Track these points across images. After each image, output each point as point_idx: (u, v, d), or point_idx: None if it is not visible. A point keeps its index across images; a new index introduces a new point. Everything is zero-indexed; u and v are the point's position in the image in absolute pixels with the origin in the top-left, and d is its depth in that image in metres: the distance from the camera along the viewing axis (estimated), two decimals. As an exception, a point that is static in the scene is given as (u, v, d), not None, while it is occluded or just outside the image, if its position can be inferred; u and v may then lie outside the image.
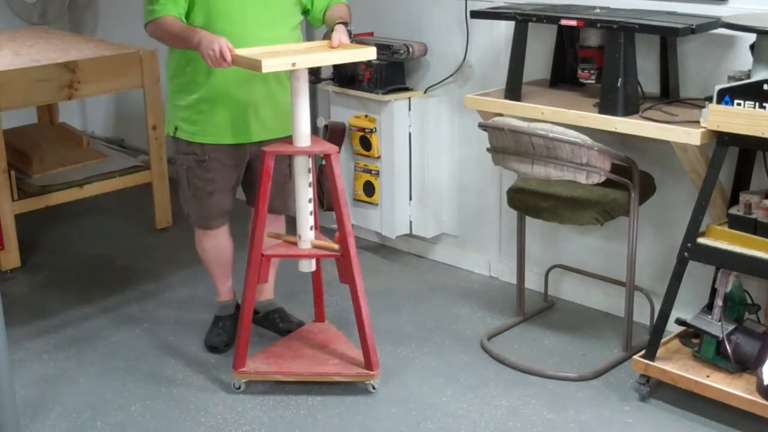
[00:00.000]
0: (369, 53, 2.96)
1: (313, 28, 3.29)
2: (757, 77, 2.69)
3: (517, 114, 3.22)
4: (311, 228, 3.05)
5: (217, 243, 3.35)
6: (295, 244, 3.08)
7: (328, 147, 3.00)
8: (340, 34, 2.99)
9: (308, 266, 3.15)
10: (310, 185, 3.02)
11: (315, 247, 3.06)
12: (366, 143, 3.98)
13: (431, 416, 2.98)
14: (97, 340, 3.52)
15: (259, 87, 3.11)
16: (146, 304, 3.82)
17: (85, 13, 5.86)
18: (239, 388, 3.12)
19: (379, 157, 3.98)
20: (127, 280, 4.06)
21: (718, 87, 2.73)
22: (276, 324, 3.51)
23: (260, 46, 2.98)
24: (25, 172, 4.38)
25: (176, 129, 3.20)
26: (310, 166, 3.01)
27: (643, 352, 3.00)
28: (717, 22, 2.92)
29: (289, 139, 3.00)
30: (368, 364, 3.08)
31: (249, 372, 3.11)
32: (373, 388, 3.09)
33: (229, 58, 2.82)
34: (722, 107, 2.71)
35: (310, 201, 3.03)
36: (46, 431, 2.94)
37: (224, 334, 3.43)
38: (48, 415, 3.02)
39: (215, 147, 3.16)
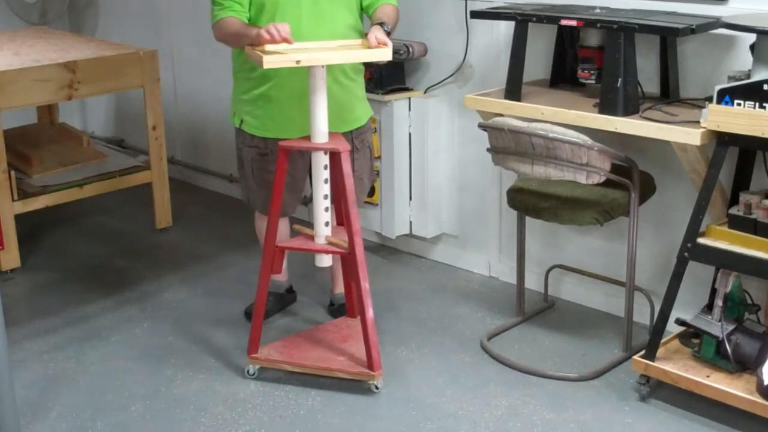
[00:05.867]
0: (384, 54, 2.94)
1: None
2: (757, 77, 2.69)
3: (517, 114, 3.22)
4: (326, 224, 3.09)
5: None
6: (314, 238, 3.14)
7: (341, 145, 3.01)
8: (374, 34, 2.98)
9: (321, 261, 3.20)
10: (326, 182, 3.05)
11: (329, 243, 3.10)
12: (366, 143, 3.98)
13: (431, 416, 2.98)
14: (97, 340, 3.52)
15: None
16: (146, 304, 3.82)
17: (85, 13, 5.86)
18: (252, 374, 3.17)
19: (379, 157, 3.98)
20: (127, 280, 4.06)
21: (718, 87, 2.73)
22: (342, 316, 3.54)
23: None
24: (25, 172, 4.38)
25: (242, 122, 3.34)
26: (327, 162, 3.04)
27: (643, 352, 3.00)
28: (717, 22, 2.92)
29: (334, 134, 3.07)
30: (370, 364, 3.08)
31: (260, 359, 3.17)
32: (376, 388, 3.09)
33: (284, 34, 2.86)
34: (722, 107, 2.71)
35: (326, 197, 3.07)
36: (46, 431, 2.94)
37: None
38: (48, 415, 3.02)
39: (275, 141, 3.24)
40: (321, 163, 3.04)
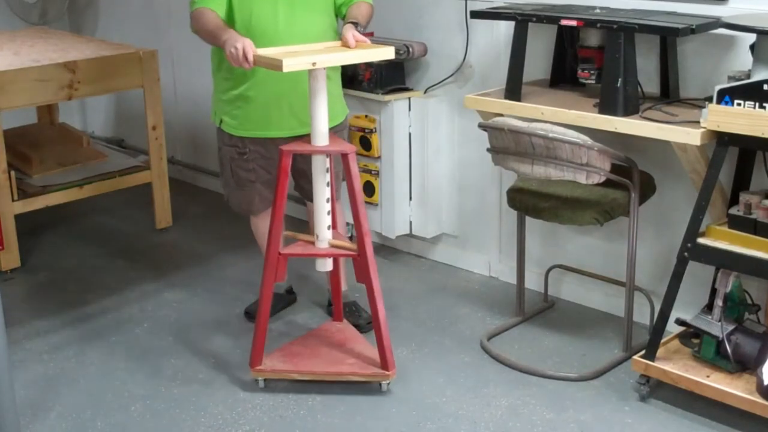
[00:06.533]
0: (387, 52, 2.95)
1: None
2: (757, 77, 2.69)
3: (517, 114, 3.22)
4: (329, 227, 3.06)
5: (263, 224, 3.43)
6: (313, 243, 3.09)
7: (346, 146, 3.00)
8: (350, 32, 2.99)
9: (323, 265, 3.17)
10: (328, 185, 3.03)
11: (332, 246, 3.06)
12: (366, 143, 3.98)
13: (431, 416, 2.97)
14: (97, 340, 3.52)
15: (293, 84, 3.17)
16: (146, 304, 3.82)
17: (85, 13, 5.86)
18: (262, 386, 3.13)
19: (379, 157, 3.98)
20: (127, 280, 4.06)
21: (718, 87, 2.73)
22: (345, 316, 3.53)
23: (287, 45, 3.05)
24: (25, 172, 4.38)
25: (221, 121, 3.37)
26: (328, 165, 3.02)
27: (643, 352, 3.00)
28: (717, 22, 2.92)
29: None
30: (384, 364, 3.06)
31: (265, 370, 3.11)
32: (388, 386, 3.07)
33: (251, 58, 2.87)
34: (722, 107, 2.71)
35: (328, 200, 3.04)
36: (46, 431, 2.94)
37: None
38: (48, 415, 3.02)
39: (254, 140, 3.31)
40: (323, 166, 3.01)
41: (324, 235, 3.07)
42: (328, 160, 3.02)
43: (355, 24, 3.06)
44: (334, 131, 3.27)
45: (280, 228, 3.05)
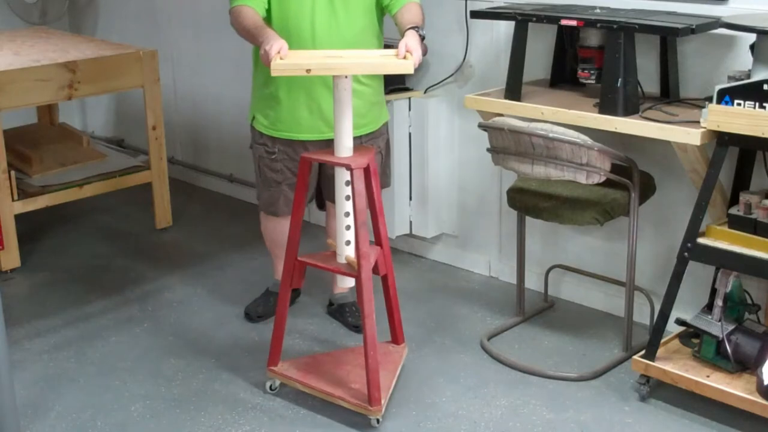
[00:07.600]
0: (405, 66, 2.73)
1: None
2: (757, 77, 2.70)
3: (517, 114, 3.22)
4: (347, 242, 2.93)
5: (276, 226, 3.45)
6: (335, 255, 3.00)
7: (355, 160, 2.83)
8: (407, 41, 2.83)
9: (342, 281, 3.09)
10: (347, 198, 2.90)
11: (348, 263, 2.95)
12: (366, 143, 3.98)
13: (431, 416, 2.97)
14: (97, 340, 3.52)
15: (324, 87, 3.13)
16: (146, 304, 3.82)
17: (85, 13, 5.86)
18: (274, 389, 3.10)
19: (379, 157, 3.98)
20: (127, 280, 4.06)
21: (718, 87, 2.73)
22: (346, 317, 3.54)
23: (328, 47, 3.02)
24: (25, 172, 4.38)
25: (254, 118, 3.35)
26: (349, 178, 2.86)
27: (643, 352, 3.00)
28: (717, 22, 2.92)
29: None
30: (369, 398, 2.87)
31: (277, 373, 3.08)
32: (377, 422, 2.90)
33: (270, 59, 2.76)
34: (722, 107, 2.71)
35: (347, 215, 2.91)
36: (46, 431, 2.94)
37: (262, 307, 3.60)
38: (48, 415, 3.02)
39: (283, 141, 3.28)
40: (343, 178, 2.88)
41: (342, 250, 2.95)
42: (349, 174, 2.87)
43: (417, 29, 2.91)
44: (369, 137, 3.24)
45: (298, 233, 2.98)
